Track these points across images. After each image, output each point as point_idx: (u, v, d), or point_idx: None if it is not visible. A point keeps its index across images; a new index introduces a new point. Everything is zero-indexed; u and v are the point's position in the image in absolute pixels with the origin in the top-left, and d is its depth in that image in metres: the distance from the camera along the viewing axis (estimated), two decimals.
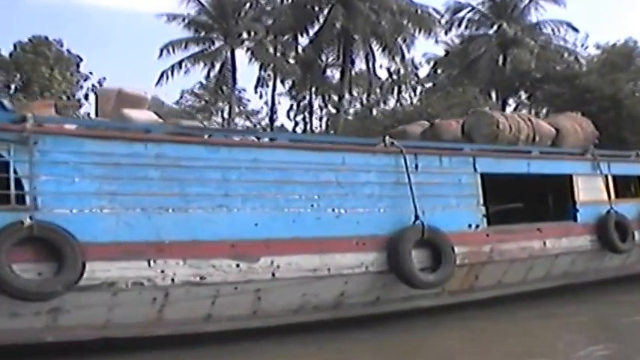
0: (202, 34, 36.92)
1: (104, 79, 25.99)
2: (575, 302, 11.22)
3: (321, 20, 35.27)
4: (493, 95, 39.03)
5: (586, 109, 32.59)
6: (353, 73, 37.70)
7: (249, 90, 43.97)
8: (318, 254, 8.12)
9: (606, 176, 11.96)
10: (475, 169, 9.94)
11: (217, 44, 36.90)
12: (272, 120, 40.46)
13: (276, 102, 41.72)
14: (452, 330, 9.26)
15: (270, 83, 41.11)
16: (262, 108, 44.78)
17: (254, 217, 7.86)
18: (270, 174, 8.09)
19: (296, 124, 40.25)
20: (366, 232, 8.57)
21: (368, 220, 8.65)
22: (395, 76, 39.88)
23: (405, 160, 9.05)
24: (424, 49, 57.51)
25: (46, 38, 25.11)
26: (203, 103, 44.99)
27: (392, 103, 40.19)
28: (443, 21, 40.09)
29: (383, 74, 40.27)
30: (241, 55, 37.68)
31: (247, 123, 46.02)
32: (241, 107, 46.02)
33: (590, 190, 11.60)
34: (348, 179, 8.65)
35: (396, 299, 9.06)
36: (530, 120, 11.35)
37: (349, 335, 8.68)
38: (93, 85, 25.25)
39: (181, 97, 48.80)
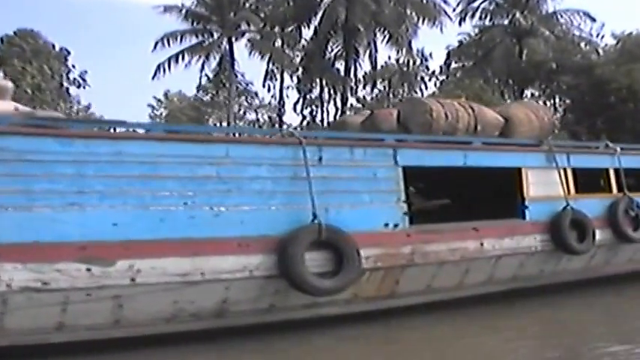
0: (199, 25, 36.08)
1: (85, 72, 25.59)
2: (530, 308, 10.25)
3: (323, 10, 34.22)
4: (507, 87, 37.75)
5: (604, 101, 31.64)
6: (359, 64, 36.61)
7: (258, 83, 43.21)
8: (189, 257, 7.22)
9: (565, 169, 10.84)
10: (396, 162, 8.96)
11: (215, 36, 36.05)
12: (279, 114, 39.68)
13: (285, 95, 40.94)
14: (356, 340, 8.34)
15: (278, 76, 40.35)
16: (270, 102, 44.07)
17: (113, 216, 7.00)
18: (136, 168, 7.20)
19: (303, 117, 39.33)
20: (252, 233, 7.63)
21: (255, 219, 7.72)
22: (405, 68, 38.60)
23: (305, 152, 8.14)
24: (446, 41, 56.44)
25: (32, 31, 24.74)
26: (210, 97, 44.26)
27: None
28: (457, 10, 39.04)
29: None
30: (241, 47, 36.93)
31: (254, 116, 45.37)
32: (248, 101, 45.32)
33: (544, 185, 10.50)
34: (233, 173, 7.72)
35: (295, 307, 8.14)
36: (472, 108, 10.30)
37: (239, 345, 7.85)
38: (74, 79, 24.81)
39: (199, 91, 48.36)
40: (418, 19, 35.48)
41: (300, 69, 38.39)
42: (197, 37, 35.85)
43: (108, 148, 7.16)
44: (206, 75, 40.05)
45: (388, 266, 8.60)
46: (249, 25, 35.68)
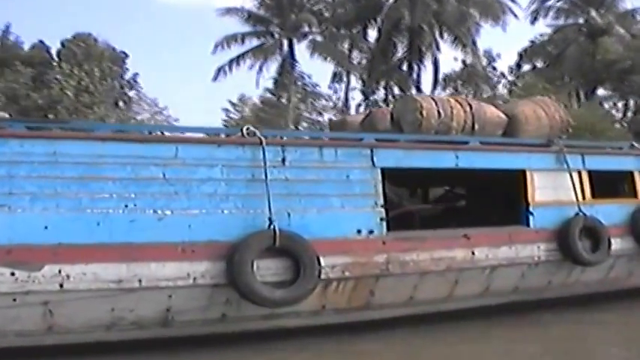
0: (259, 28, 35.79)
1: (137, 74, 25.88)
2: (535, 321, 9.39)
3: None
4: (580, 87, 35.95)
5: None
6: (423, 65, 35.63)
7: (324, 85, 42.75)
8: (125, 263, 6.82)
9: (579, 172, 9.89)
10: (373, 164, 8.31)
11: (275, 38, 35.62)
12: (343, 116, 39.04)
13: (351, 97, 40.34)
14: (323, 352, 7.79)
15: (345, 78, 39.76)
16: (336, 104, 43.51)
17: (44, 219, 6.65)
18: (74, 169, 6.84)
19: None
20: (200, 238, 7.14)
21: (204, 224, 7.22)
22: (470, 69, 37.27)
23: (264, 153, 7.62)
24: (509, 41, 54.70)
25: (89, 34, 25.06)
26: (277, 98, 44.08)
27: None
28: (529, 10, 37.62)
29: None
30: (303, 49, 36.45)
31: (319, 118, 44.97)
32: (314, 102, 44.88)
33: (552, 189, 9.60)
34: (181, 175, 7.25)
35: (252, 317, 7.61)
36: (470, 105, 9.52)
37: (188, 356, 7.47)
38: (128, 81, 25.12)
39: (273, 94, 48.27)
40: (481, 17, 34.16)
41: (366, 70, 37.68)
42: (258, 38, 35.60)
43: (44, 148, 6.86)
44: (273, 78, 39.84)
45: (359, 276, 7.98)
46: (310, 27, 35.23)
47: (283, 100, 42.08)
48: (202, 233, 7.21)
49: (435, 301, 8.78)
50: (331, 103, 47.61)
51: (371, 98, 38.32)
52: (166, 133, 8.60)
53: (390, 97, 38.32)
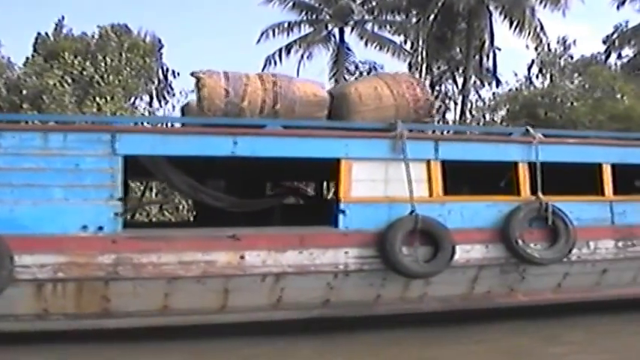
0: (307, 16, 34.18)
1: (167, 67, 25.71)
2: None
3: None
4: None
5: None
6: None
7: None
8: None
9: (427, 163, 8.24)
10: (114, 151, 7.20)
11: (323, 25, 33.84)
12: None
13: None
14: None
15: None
16: None
17: None
18: None
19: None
20: None
21: None
22: (544, 58, 33.99)
23: None
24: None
25: (117, 25, 24.63)
26: None
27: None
28: None
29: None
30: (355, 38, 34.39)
31: None
32: None
33: (381, 183, 8.06)
34: None
35: None
36: (274, 83, 8.07)
37: None
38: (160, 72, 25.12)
39: None
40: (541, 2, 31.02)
41: (426, 60, 35.43)
42: (311, 26, 34.00)
43: None
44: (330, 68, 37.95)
45: (79, 278, 6.96)
46: (363, 15, 33.37)
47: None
48: None
49: (203, 312, 7.52)
50: None
51: (436, 89, 36.06)
52: None
53: (455, 88, 36.13)
